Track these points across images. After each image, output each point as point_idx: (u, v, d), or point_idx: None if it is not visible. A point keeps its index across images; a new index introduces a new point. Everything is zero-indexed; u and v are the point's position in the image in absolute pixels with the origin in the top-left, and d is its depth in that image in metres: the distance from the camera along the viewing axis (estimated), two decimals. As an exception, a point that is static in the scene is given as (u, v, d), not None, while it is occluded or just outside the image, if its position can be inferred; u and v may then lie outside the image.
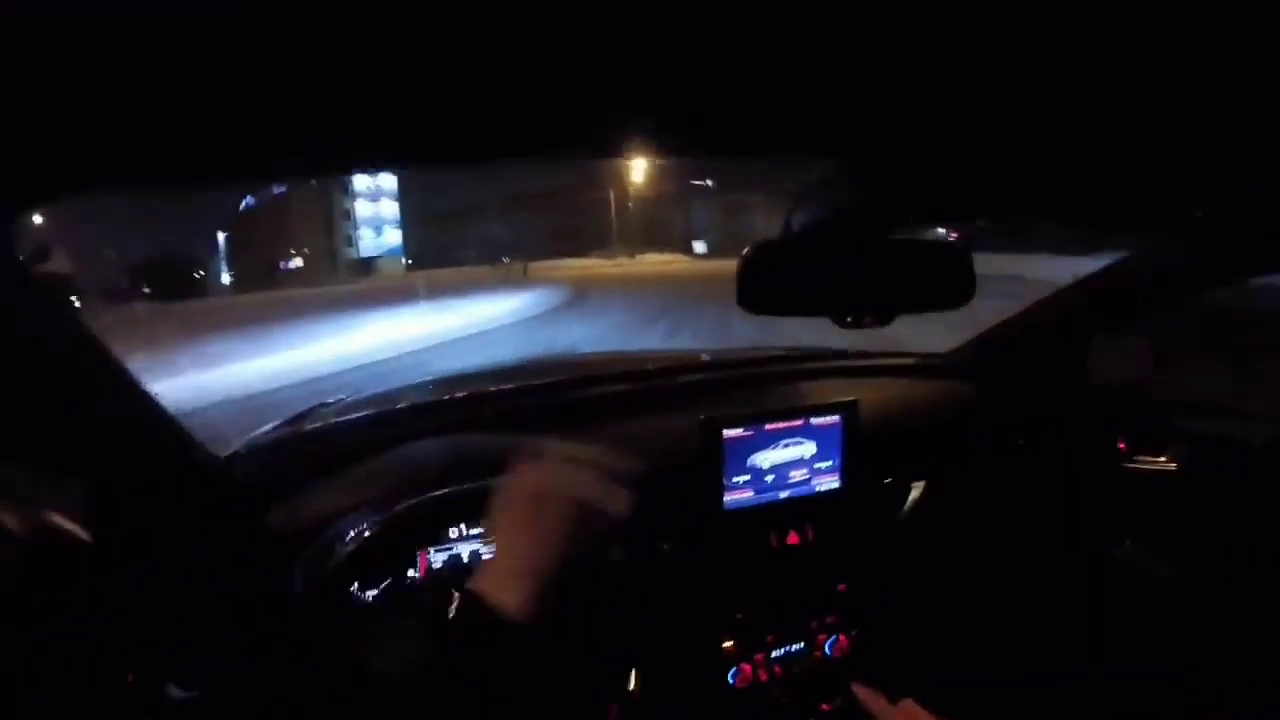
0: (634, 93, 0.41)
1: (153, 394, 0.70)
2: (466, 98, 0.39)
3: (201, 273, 64.75)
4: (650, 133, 0.48)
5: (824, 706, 1.11)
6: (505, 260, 36.94)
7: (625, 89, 0.40)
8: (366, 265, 59.92)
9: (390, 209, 61.66)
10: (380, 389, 1.35)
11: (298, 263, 59.76)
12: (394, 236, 61.81)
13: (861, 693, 0.78)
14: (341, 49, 0.33)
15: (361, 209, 59.83)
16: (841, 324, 0.72)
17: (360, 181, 58.33)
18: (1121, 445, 1.20)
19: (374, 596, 0.90)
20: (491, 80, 0.37)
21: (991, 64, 0.39)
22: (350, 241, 60.39)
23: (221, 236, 67.62)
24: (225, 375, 7.52)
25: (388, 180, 59.57)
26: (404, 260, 61.42)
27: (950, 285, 0.72)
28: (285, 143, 0.44)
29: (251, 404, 6.18)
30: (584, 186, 57.07)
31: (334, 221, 60.04)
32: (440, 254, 59.27)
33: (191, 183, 0.53)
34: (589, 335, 10.17)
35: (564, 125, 0.45)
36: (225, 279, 66.67)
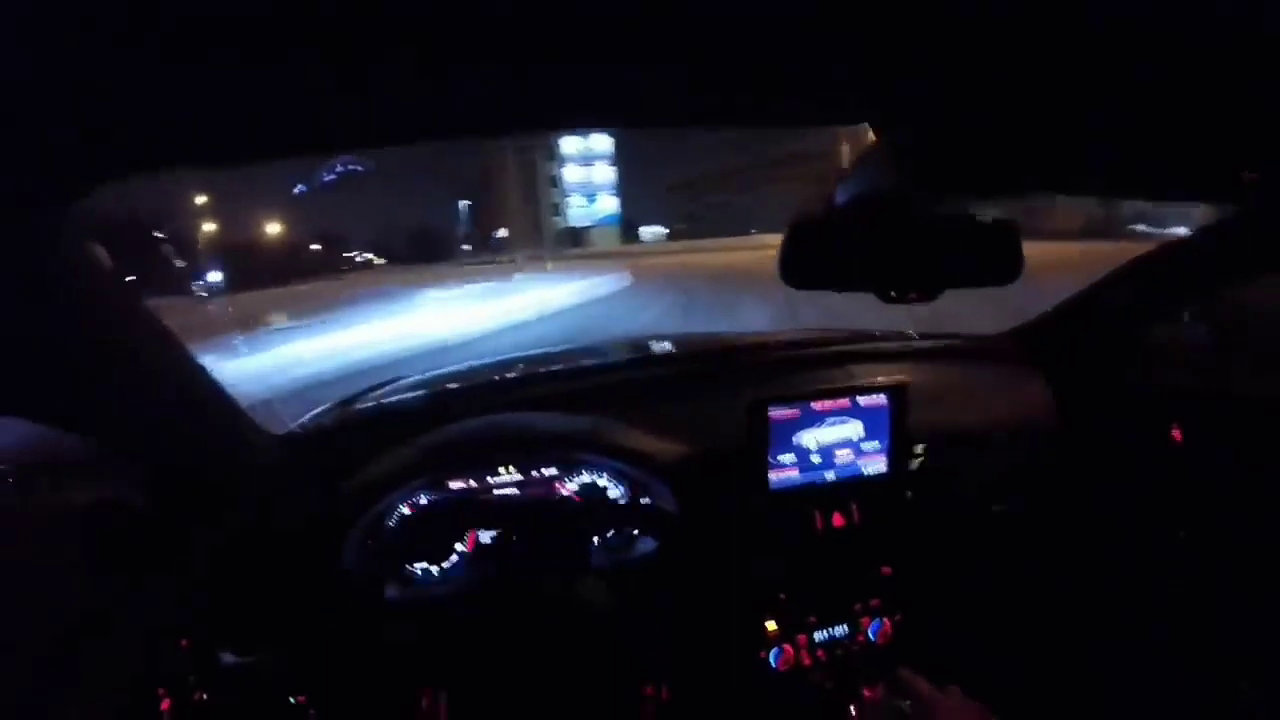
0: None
1: (212, 376, 0.74)
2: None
3: (460, 235, 69.02)
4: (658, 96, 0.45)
5: (866, 691, 1.07)
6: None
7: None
8: (576, 236, 56.20)
9: (604, 174, 56.28)
10: (434, 371, 1.41)
11: (503, 232, 59.02)
12: (609, 204, 56.53)
13: (908, 677, 0.80)
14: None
15: (570, 174, 55.58)
16: (886, 300, 0.70)
17: (569, 145, 54.05)
18: (1176, 435, 1.15)
19: (422, 570, 0.96)
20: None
21: (1033, 36, 0.38)
22: (557, 210, 57.02)
23: (463, 205, 71.28)
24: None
25: (600, 142, 54.17)
26: (619, 230, 56.30)
27: (997, 262, 0.69)
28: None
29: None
30: (812, 153, 43.54)
31: (538, 188, 57.26)
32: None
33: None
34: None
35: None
36: (465, 246, 70.60)
